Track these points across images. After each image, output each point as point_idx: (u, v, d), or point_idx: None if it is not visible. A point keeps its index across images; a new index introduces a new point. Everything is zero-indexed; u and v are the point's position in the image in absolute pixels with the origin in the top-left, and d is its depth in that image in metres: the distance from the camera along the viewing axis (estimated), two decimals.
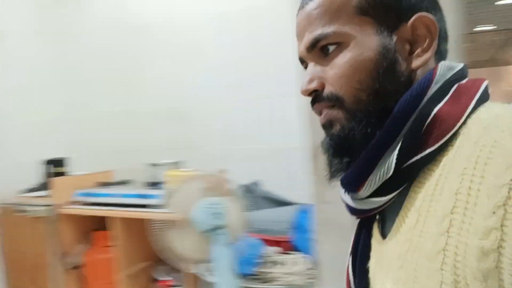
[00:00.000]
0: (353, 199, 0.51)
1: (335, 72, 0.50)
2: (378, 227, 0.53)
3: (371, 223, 0.54)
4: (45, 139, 2.88)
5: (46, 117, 2.94)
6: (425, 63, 0.51)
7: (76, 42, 3.03)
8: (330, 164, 0.53)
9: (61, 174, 2.60)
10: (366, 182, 0.48)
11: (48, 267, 2.43)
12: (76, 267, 2.48)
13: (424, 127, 0.46)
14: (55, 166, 2.61)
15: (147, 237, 2.01)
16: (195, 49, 2.60)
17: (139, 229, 2.29)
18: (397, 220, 0.47)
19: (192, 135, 2.62)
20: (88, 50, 3.00)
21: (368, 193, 0.49)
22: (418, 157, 0.45)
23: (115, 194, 2.29)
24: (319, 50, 0.52)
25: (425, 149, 0.45)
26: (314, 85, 0.52)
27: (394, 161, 0.46)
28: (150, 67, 2.77)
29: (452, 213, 0.39)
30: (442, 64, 0.50)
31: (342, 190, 0.53)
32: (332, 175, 0.53)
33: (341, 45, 0.50)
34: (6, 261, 2.67)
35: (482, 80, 0.49)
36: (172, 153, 2.48)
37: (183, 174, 2.03)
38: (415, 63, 0.51)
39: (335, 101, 0.51)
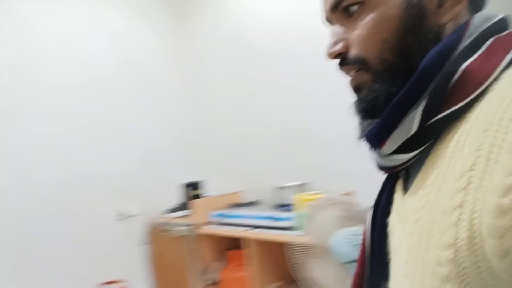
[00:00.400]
0: (378, 155, 0.51)
1: (359, 33, 0.49)
2: (402, 182, 0.51)
3: (396, 179, 0.53)
4: (182, 164, 3.19)
5: (183, 143, 3.26)
6: (455, 16, 0.47)
7: (202, 69, 3.31)
8: (361, 125, 0.53)
9: (197, 196, 2.85)
10: (389, 139, 0.47)
11: (190, 282, 2.67)
12: (214, 283, 2.68)
13: (451, 84, 0.44)
14: (193, 189, 2.87)
15: (280, 257, 2.08)
16: (316, 69, 2.63)
17: (272, 250, 2.39)
18: (418, 176, 0.46)
19: (316, 155, 2.65)
20: (213, 75, 3.24)
21: (391, 150, 0.48)
22: (443, 114, 0.44)
23: (248, 216, 2.43)
24: (342, 10, 0.51)
25: (450, 107, 0.43)
26: (338, 48, 0.51)
27: (419, 118, 0.45)
28: (273, 88, 2.86)
29: (471, 170, 0.38)
30: (478, 16, 0.46)
31: (368, 146, 0.52)
32: (361, 136, 0.53)
33: (364, 5, 0.48)
34: (155, 273, 3.00)
35: None
36: (296, 174, 2.54)
37: (313, 197, 2.07)
38: (445, 17, 0.47)
39: (361, 64, 0.50)
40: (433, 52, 0.45)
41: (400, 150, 0.48)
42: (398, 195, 0.51)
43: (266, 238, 2.25)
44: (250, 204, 2.71)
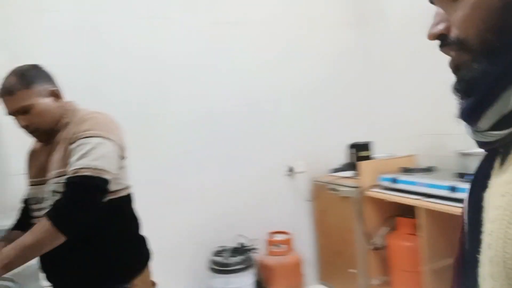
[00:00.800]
0: (473, 131, 0.52)
1: (460, 14, 0.49)
2: (500, 160, 0.50)
3: (494, 156, 0.51)
4: (351, 123, 3.08)
5: (350, 102, 3.13)
6: None
7: (371, 31, 3.06)
8: (459, 104, 0.53)
9: (365, 157, 2.72)
10: (484, 115, 0.47)
11: (354, 244, 2.62)
12: (379, 248, 2.57)
13: None
14: (360, 150, 2.75)
15: (455, 233, 1.82)
16: None
17: (446, 223, 2.14)
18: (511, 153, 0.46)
19: None
20: (385, 40, 2.97)
21: (486, 127, 0.48)
22: None
23: (421, 183, 2.20)
24: None
25: None
26: (440, 28, 0.52)
27: None
28: None
29: None
30: None
31: (464, 123, 0.52)
32: (459, 113, 0.52)
33: None
34: (317, 231, 3.05)
35: None
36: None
37: None
38: None
39: (461, 45, 0.49)
40: None
41: (495, 127, 0.48)
42: (495, 171, 0.51)
43: (439, 209, 2.00)
44: (425, 170, 2.45)
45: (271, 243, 2.79)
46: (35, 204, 1.35)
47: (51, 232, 1.13)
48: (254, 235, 2.80)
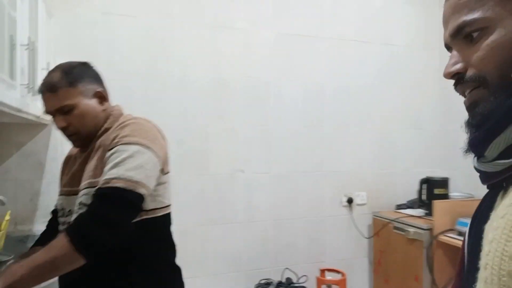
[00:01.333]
0: (480, 162, 0.52)
1: (479, 55, 0.51)
2: (502, 192, 0.51)
3: (498, 190, 0.52)
4: (425, 154, 2.73)
5: (426, 129, 2.79)
6: None
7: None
8: (469, 137, 0.53)
9: (441, 196, 2.36)
10: (492, 144, 0.49)
11: None
12: None
13: None
14: (435, 187, 2.39)
15: None
16: None
17: None
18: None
19: None
20: None
21: (494, 155, 0.50)
22: None
23: None
24: (463, 37, 0.53)
25: None
26: (457, 68, 0.54)
27: None
28: None
29: None
30: None
31: (472, 155, 0.54)
32: (467, 144, 0.53)
33: (484, 30, 0.51)
34: (375, 274, 2.69)
35: None
36: None
37: None
38: None
39: (479, 82, 0.51)
40: None
41: (502, 156, 0.49)
42: (496, 204, 0.51)
43: None
44: None
45: (322, 282, 2.48)
46: (62, 216, 1.19)
47: (68, 251, 0.95)
48: (304, 271, 2.51)
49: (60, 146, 2.21)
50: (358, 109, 2.69)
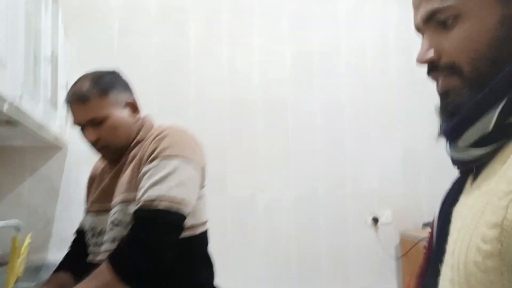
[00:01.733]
0: (453, 149, 0.54)
1: (452, 43, 0.51)
2: (472, 178, 0.53)
3: (467, 175, 0.55)
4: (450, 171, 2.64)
5: None
6: None
7: None
8: (442, 124, 0.55)
9: None
10: (466, 133, 0.50)
11: None
12: None
13: None
14: None
15: None
16: None
17: None
18: (486, 170, 0.49)
19: None
20: None
21: (466, 144, 0.51)
22: None
23: None
24: (435, 23, 0.53)
25: None
26: (430, 55, 0.54)
27: (495, 117, 0.47)
28: None
29: None
30: None
31: (445, 142, 0.55)
32: (441, 131, 0.55)
33: (458, 17, 0.51)
34: None
35: None
36: None
37: None
38: None
39: (452, 69, 0.52)
40: None
41: (475, 144, 0.50)
42: (466, 190, 0.53)
43: None
44: None
45: None
46: (93, 237, 1.09)
47: (111, 280, 0.86)
48: None
49: (75, 171, 2.13)
50: (380, 124, 2.62)
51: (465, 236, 0.45)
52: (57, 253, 2.06)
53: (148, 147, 1.03)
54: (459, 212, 0.50)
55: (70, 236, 2.11)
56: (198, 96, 2.32)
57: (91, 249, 1.09)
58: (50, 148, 2.09)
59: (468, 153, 0.51)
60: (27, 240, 1.30)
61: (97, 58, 2.16)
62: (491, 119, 0.47)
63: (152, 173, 0.97)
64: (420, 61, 0.56)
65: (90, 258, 1.08)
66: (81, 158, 2.13)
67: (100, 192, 1.11)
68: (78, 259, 1.14)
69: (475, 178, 0.51)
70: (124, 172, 1.06)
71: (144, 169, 1.00)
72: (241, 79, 2.41)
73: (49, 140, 1.68)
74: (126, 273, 0.86)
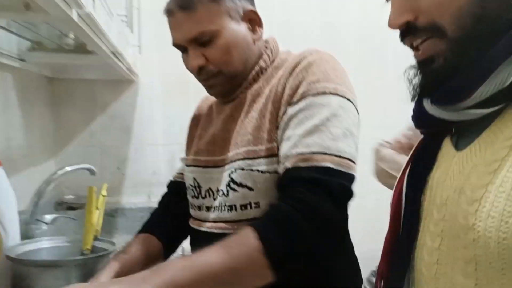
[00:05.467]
0: (445, 109, 0.48)
1: (431, 0, 0.46)
2: (452, 140, 0.50)
3: (441, 137, 0.52)
4: None
5: None
6: None
7: None
8: (416, 87, 0.51)
9: None
10: (477, 91, 0.45)
11: None
12: None
13: None
14: None
15: None
16: None
17: None
18: (482, 135, 0.46)
19: None
20: None
21: (473, 103, 0.46)
22: None
23: None
24: None
25: None
26: (406, 17, 0.48)
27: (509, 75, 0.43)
28: None
29: None
30: None
31: (427, 101, 0.49)
32: (417, 95, 0.51)
33: None
34: None
35: None
36: None
37: None
38: None
39: (434, 31, 0.46)
40: None
41: (479, 105, 0.46)
42: (445, 153, 0.50)
43: None
44: None
45: None
46: (197, 197, 0.83)
47: (259, 263, 0.59)
48: None
49: (148, 107, 1.92)
50: None
51: (453, 208, 0.44)
52: (131, 197, 1.93)
53: (288, 80, 0.73)
54: (442, 178, 0.48)
55: (145, 180, 1.96)
56: (283, 22, 1.96)
57: (194, 212, 0.84)
58: (121, 82, 1.88)
59: (466, 114, 0.46)
60: (104, 191, 1.10)
61: None
62: (508, 74, 0.42)
63: (303, 117, 0.68)
64: (392, 25, 0.49)
65: (194, 223, 0.83)
66: (154, 93, 1.92)
67: (208, 141, 0.83)
68: (170, 220, 0.90)
69: (458, 139, 0.49)
70: (246, 114, 0.78)
71: (289, 111, 0.70)
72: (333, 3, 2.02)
73: (121, 72, 1.45)
74: (282, 254, 0.59)
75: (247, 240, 0.59)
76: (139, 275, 0.58)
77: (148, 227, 0.89)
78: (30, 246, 0.97)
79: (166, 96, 1.91)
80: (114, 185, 1.89)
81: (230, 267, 0.58)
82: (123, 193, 1.93)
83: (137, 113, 1.93)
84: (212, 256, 0.58)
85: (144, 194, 1.90)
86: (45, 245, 1.01)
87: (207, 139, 0.84)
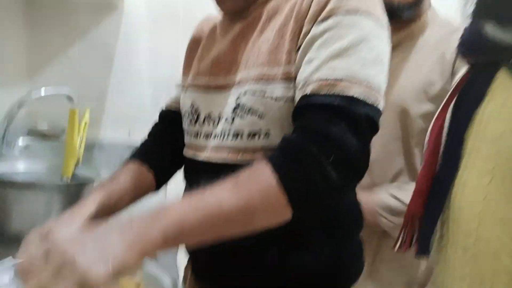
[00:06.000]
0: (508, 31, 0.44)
1: None
2: (510, 71, 0.46)
3: (493, 69, 0.47)
4: None
5: None
6: None
7: None
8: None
9: None
10: None
11: None
12: None
13: None
14: None
15: None
16: None
17: None
18: None
19: None
20: None
21: None
22: None
23: None
24: None
25: None
26: None
27: None
28: None
29: None
30: None
31: (492, 23, 0.45)
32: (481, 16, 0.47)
33: None
34: None
35: None
36: None
37: None
38: None
39: None
40: None
41: None
42: (501, 84, 0.46)
43: None
44: None
45: None
46: (195, 123, 0.75)
47: (275, 201, 0.52)
48: None
49: (133, 37, 1.77)
50: None
51: (508, 142, 0.41)
52: (110, 132, 1.82)
53: None
54: (494, 112, 0.44)
55: (126, 114, 1.85)
56: None
57: (190, 140, 0.77)
58: (104, 7, 1.72)
59: None
60: (86, 116, 1.01)
61: None
62: None
63: (329, 38, 0.59)
64: None
65: (189, 152, 0.76)
66: (139, 22, 1.77)
67: (212, 62, 0.74)
68: (162, 149, 0.83)
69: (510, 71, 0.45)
70: (260, 33, 0.68)
71: (313, 30, 0.61)
72: None
73: None
74: (302, 195, 0.53)
75: (261, 176, 0.53)
76: (141, 218, 0.51)
77: (138, 155, 0.82)
78: (3, 167, 0.88)
79: (153, 25, 1.77)
80: (93, 117, 1.78)
81: (244, 206, 0.52)
82: (102, 126, 1.82)
83: (120, 43, 1.79)
84: (224, 195, 0.52)
85: (125, 130, 1.80)
86: (20, 169, 0.93)
87: (209, 60, 0.75)
